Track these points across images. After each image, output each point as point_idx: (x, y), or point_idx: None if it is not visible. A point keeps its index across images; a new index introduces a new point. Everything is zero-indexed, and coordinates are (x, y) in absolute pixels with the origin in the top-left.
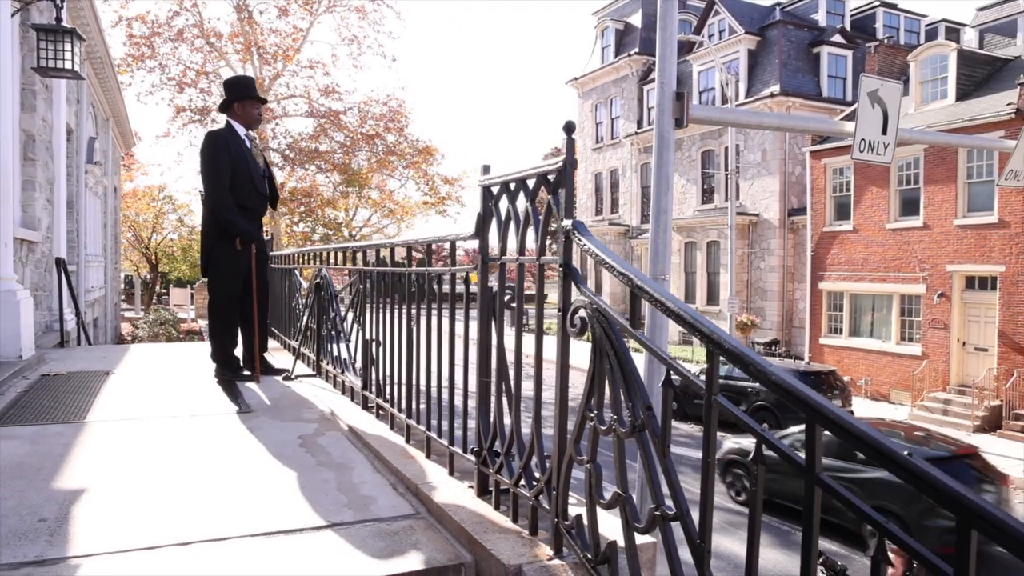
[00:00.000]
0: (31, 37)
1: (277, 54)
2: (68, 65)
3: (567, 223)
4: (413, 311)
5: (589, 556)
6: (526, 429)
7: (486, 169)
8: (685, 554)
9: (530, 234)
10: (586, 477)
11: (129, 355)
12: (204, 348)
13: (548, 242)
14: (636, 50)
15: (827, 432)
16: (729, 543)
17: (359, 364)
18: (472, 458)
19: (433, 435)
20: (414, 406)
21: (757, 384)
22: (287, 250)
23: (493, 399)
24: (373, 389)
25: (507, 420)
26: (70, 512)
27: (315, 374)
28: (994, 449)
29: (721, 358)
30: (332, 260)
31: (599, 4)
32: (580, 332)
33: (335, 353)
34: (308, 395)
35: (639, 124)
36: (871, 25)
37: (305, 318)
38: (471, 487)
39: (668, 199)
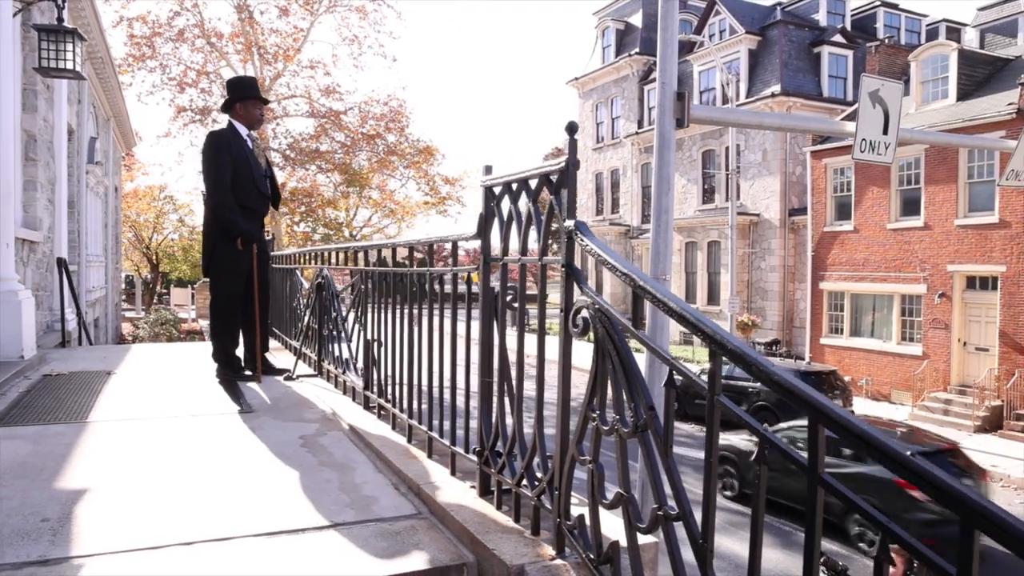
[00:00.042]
0: (32, 37)
1: (278, 54)
2: (69, 65)
3: (570, 223)
4: (415, 311)
5: (591, 556)
6: (528, 429)
7: (488, 169)
8: (687, 554)
9: (532, 234)
10: (588, 477)
11: (130, 355)
12: (205, 348)
13: (549, 242)
14: (637, 50)
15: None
16: (729, 543)
17: (360, 364)
18: (474, 458)
19: (435, 435)
20: (416, 406)
21: (758, 384)
22: (288, 250)
23: (495, 399)
24: (375, 389)
25: (509, 420)
26: (73, 512)
27: (316, 374)
28: (995, 449)
29: (723, 358)
30: (334, 260)
31: (600, 4)
32: (582, 332)
33: (336, 353)
34: (309, 395)
35: (640, 124)
36: (872, 25)
37: (306, 318)
38: (473, 487)
39: (669, 199)
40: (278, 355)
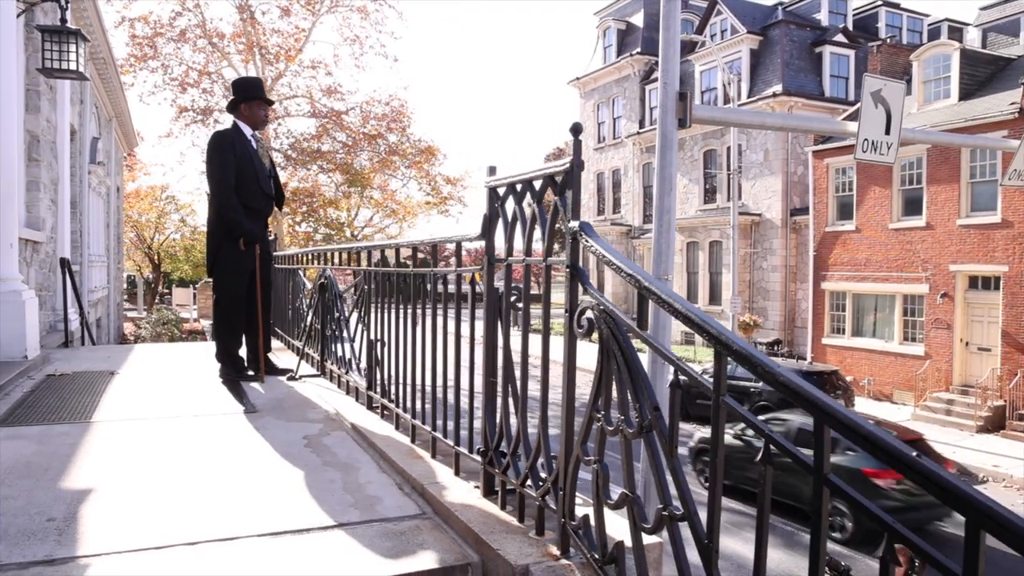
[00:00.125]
0: (36, 38)
1: (279, 54)
2: (72, 66)
3: (574, 224)
4: (419, 312)
5: (596, 556)
6: (532, 430)
7: (492, 170)
8: (691, 554)
9: (535, 235)
10: (593, 477)
11: (133, 355)
12: (207, 348)
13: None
14: (638, 50)
15: (785, 418)
16: (731, 543)
17: (364, 364)
18: (478, 458)
19: (439, 435)
20: (419, 406)
21: (760, 384)
22: (290, 250)
23: (499, 399)
24: (378, 389)
25: (513, 420)
26: (78, 512)
27: (319, 374)
28: (998, 449)
29: (728, 359)
30: (336, 260)
31: (601, 4)
32: (587, 333)
33: (339, 353)
34: (312, 395)
35: (641, 124)
36: (873, 24)
37: (309, 318)
38: (477, 487)
39: (671, 199)
40: (280, 355)
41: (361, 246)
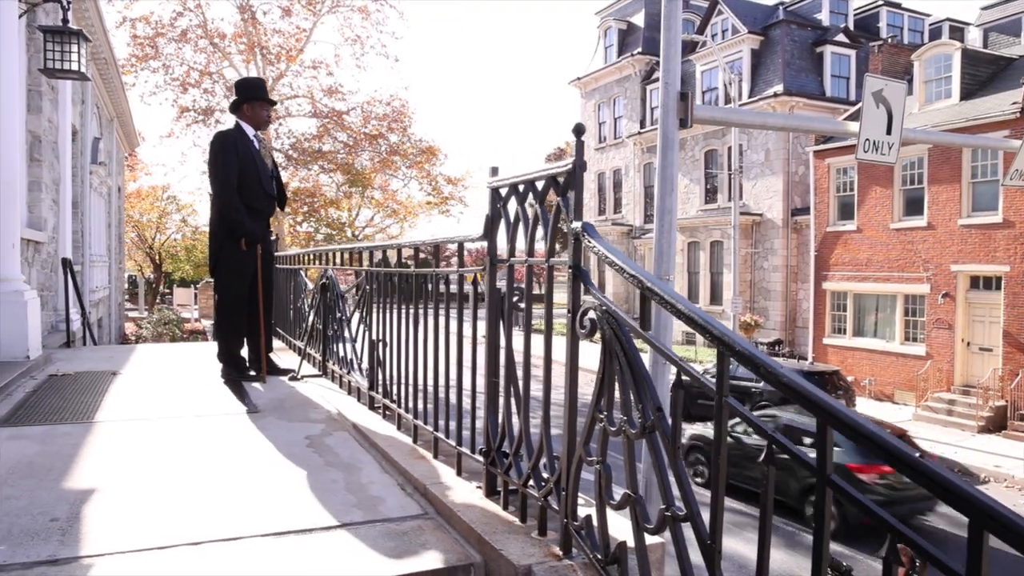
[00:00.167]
0: (38, 38)
1: (280, 54)
2: (74, 66)
3: (577, 225)
4: (420, 312)
5: (599, 556)
6: (534, 430)
7: (494, 171)
8: (693, 555)
9: (537, 235)
10: (596, 478)
11: (135, 355)
12: (209, 348)
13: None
14: (639, 50)
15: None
16: (732, 542)
17: (365, 364)
18: (480, 459)
19: (441, 435)
20: (421, 406)
21: (761, 384)
22: (292, 250)
23: (502, 400)
24: (380, 390)
25: (515, 421)
26: (81, 512)
27: (321, 374)
28: (999, 449)
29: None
30: (338, 261)
31: (602, 4)
32: (590, 333)
33: (341, 354)
34: (314, 395)
35: (642, 124)
36: (875, 24)
37: (311, 318)
38: (479, 487)
39: (673, 199)
40: (282, 355)
41: (363, 246)
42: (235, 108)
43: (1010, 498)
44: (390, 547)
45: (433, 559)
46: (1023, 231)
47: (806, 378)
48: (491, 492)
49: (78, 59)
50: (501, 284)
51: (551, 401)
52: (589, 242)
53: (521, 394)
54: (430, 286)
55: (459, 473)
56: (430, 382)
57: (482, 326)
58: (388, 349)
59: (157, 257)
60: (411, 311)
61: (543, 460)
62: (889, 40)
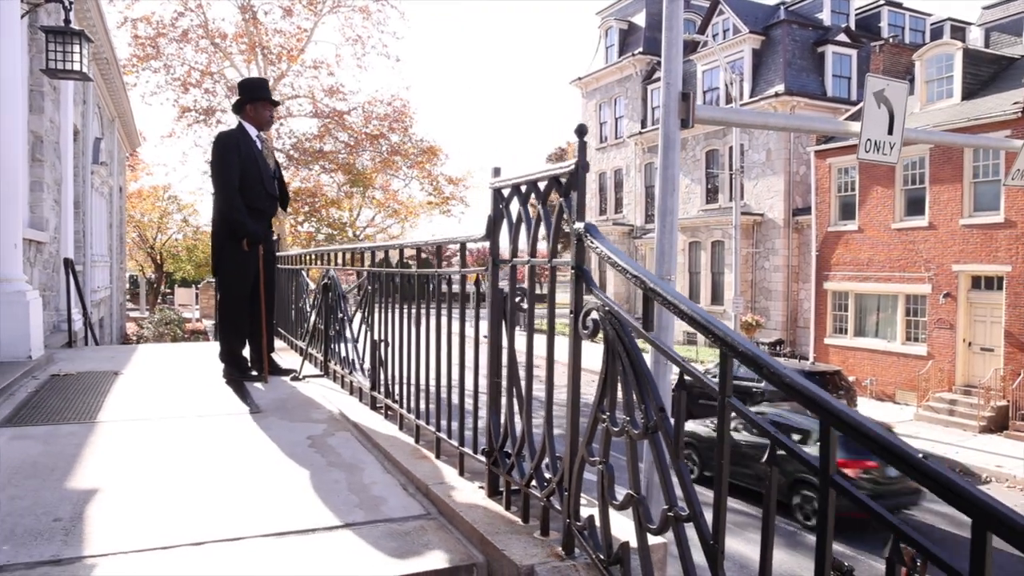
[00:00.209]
0: (39, 39)
1: (281, 54)
2: (76, 67)
3: (579, 226)
4: (423, 312)
5: (601, 556)
6: (536, 430)
7: (497, 172)
8: (695, 555)
9: (540, 235)
10: (598, 478)
11: (137, 355)
12: (210, 348)
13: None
14: (640, 50)
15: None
16: (733, 542)
17: (367, 365)
18: (483, 459)
19: (443, 436)
20: (423, 407)
21: (763, 384)
22: (293, 251)
23: (504, 400)
24: (382, 390)
25: (518, 421)
26: (84, 512)
27: (322, 374)
28: (1001, 450)
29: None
30: (340, 261)
31: (603, 4)
32: (592, 334)
33: (343, 354)
34: (316, 395)
35: (643, 124)
36: (876, 24)
37: (313, 318)
38: (482, 487)
39: (674, 199)
40: (283, 355)
41: (365, 247)
42: (238, 108)
43: (1012, 498)
44: (393, 547)
45: (436, 559)
46: None
47: (807, 378)
48: (493, 492)
49: (80, 59)
50: (503, 284)
51: (553, 401)
52: (592, 243)
53: (524, 394)
54: (432, 286)
55: (461, 473)
56: (432, 382)
57: (484, 326)
58: (390, 349)
59: (158, 257)
60: (413, 311)
61: (545, 460)
62: (890, 40)
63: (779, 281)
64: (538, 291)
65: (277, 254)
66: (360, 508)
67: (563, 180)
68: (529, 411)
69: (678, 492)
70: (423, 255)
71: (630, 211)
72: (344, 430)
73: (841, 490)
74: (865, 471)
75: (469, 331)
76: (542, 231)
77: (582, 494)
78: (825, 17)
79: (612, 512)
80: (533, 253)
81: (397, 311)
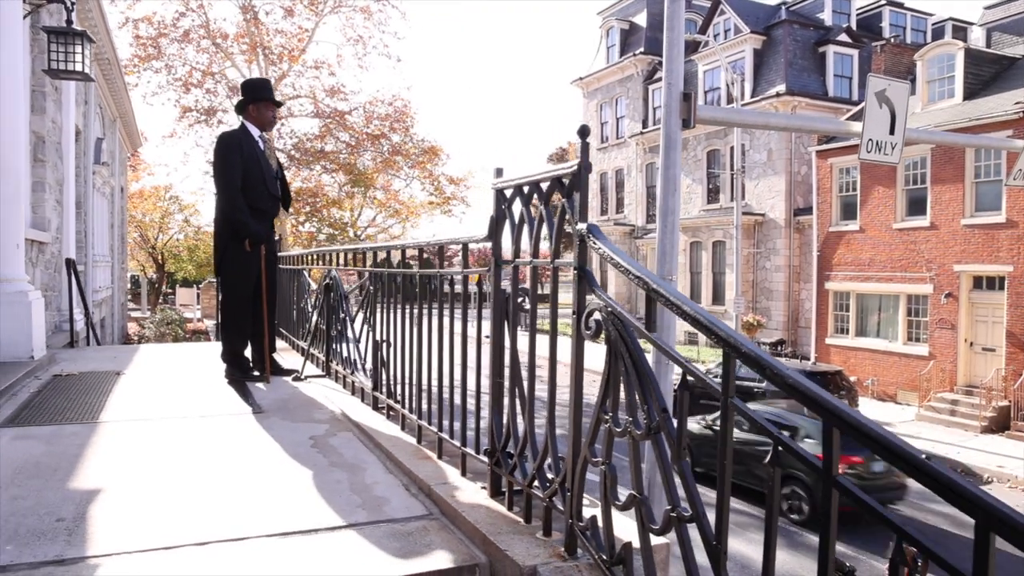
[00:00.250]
0: (41, 39)
1: (283, 55)
2: (78, 67)
3: (582, 227)
4: (425, 312)
5: (604, 557)
6: (539, 431)
7: (499, 172)
8: (698, 555)
9: (542, 235)
10: (601, 479)
11: (139, 355)
12: (212, 348)
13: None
14: (641, 50)
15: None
16: (735, 543)
17: (369, 365)
18: (485, 459)
19: (445, 436)
20: (425, 407)
21: (764, 384)
22: (295, 251)
23: (506, 400)
24: (384, 390)
25: (520, 421)
26: (87, 512)
27: (324, 375)
28: (1002, 450)
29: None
30: (342, 261)
31: (604, 4)
32: (595, 335)
33: (345, 354)
34: (318, 396)
35: (644, 124)
36: (877, 24)
37: (314, 319)
38: (484, 488)
39: (675, 199)
40: (284, 355)
41: (367, 247)
42: (241, 109)
43: (1013, 499)
44: (395, 547)
45: (438, 559)
46: None
47: (809, 378)
48: (496, 493)
49: (82, 60)
50: (506, 285)
51: (556, 402)
52: (595, 244)
53: (526, 395)
54: (434, 286)
55: (464, 474)
56: (434, 383)
57: (486, 327)
58: (392, 350)
59: (160, 257)
60: (415, 312)
61: (548, 461)
62: (892, 40)
63: (780, 281)
64: (540, 291)
65: (279, 254)
66: (363, 508)
67: (566, 181)
68: (531, 411)
69: (680, 493)
70: (425, 255)
71: (631, 211)
72: (346, 430)
73: (844, 491)
74: (850, 467)
75: (471, 332)
76: (544, 231)
77: (584, 494)
78: (826, 17)
79: (615, 513)
80: (536, 254)
81: (399, 311)
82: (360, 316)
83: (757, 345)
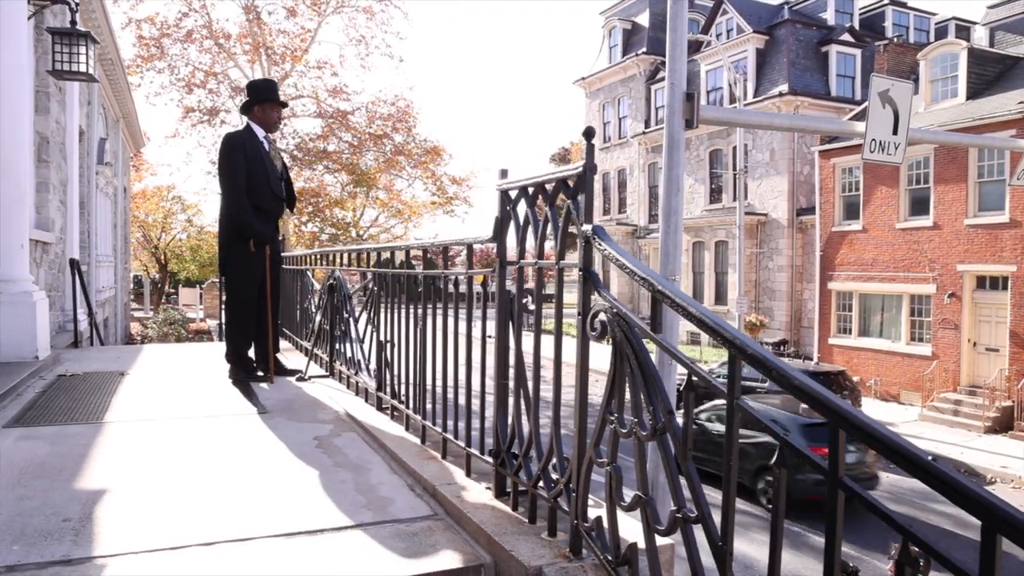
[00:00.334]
0: (46, 40)
1: (285, 55)
2: (82, 68)
3: (587, 228)
4: (429, 313)
5: (609, 558)
6: (544, 431)
7: (504, 173)
8: (703, 556)
9: (547, 235)
10: (606, 479)
11: (142, 355)
12: (215, 348)
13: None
14: (644, 50)
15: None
16: (738, 543)
17: (373, 365)
18: (490, 460)
19: (449, 436)
20: (429, 407)
21: (767, 384)
22: (298, 251)
23: (511, 401)
24: (388, 390)
25: (525, 422)
26: (93, 512)
27: (328, 375)
28: (1006, 450)
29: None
30: (346, 261)
31: (606, 4)
32: (600, 335)
33: (348, 354)
34: (322, 396)
35: (647, 124)
36: (880, 24)
37: (318, 319)
38: (489, 488)
39: (678, 199)
40: (288, 356)
41: (371, 247)
42: (246, 109)
43: (1017, 499)
44: (401, 548)
45: (444, 560)
46: None
47: (811, 378)
48: (501, 493)
49: (86, 60)
50: (511, 286)
51: (561, 402)
52: (600, 245)
53: (531, 396)
54: (438, 287)
55: (468, 474)
56: (438, 383)
57: (491, 327)
58: (396, 350)
59: (162, 257)
60: (419, 312)
61: (553, 461)
62: (895, 39)
63: (783, 281)
64: (545, 292)
65: (283, 255)
66: (368, 508)
67: (570, 182)
68: (536, 412)
69: (685, 494)
70: (429, 256)
71: (634, 211)
72: (350, 431)
73: (849, 491)
74: (823, 458)
75: (476, 332)
76: (549, 232)
77: (589, 495)
78: (829, 17)
79: (620, 513)
80: (540, 255)
81: (403, 312)
82: (364, 316)
83: (762, 347)
